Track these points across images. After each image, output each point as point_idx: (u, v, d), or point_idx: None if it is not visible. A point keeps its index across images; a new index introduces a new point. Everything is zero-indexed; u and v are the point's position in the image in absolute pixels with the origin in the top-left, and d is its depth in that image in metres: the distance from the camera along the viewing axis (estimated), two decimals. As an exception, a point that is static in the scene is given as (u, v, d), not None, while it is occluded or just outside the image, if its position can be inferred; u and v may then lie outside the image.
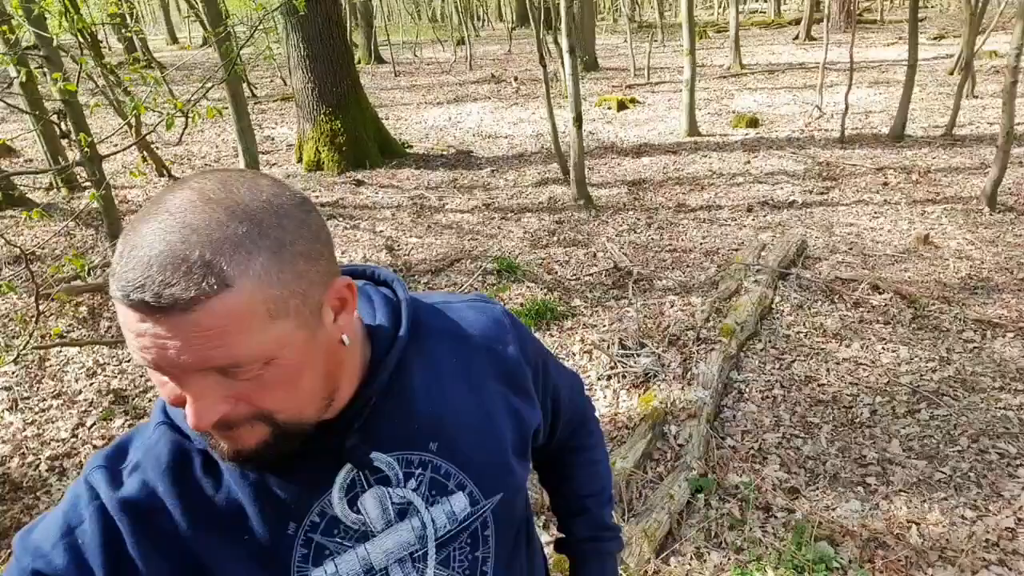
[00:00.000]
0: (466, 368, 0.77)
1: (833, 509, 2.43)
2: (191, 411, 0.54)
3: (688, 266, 4.50)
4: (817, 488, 2.53)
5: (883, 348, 3.38)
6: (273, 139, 8.72)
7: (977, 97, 8.35)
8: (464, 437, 0.74)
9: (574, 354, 3.54)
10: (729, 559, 2.24)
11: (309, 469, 0.67)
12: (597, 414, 1.16)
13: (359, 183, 6.60)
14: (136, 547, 0.62)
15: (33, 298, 3.08)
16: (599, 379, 3.31)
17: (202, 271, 0.50)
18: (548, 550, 1.06)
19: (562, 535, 1.03)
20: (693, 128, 7.76)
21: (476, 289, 4.28)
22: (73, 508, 0.63)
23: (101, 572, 0.62)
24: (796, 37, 15.99)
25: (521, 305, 4.00)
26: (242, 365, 0.53)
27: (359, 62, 14.19)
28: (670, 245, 4.86)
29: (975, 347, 3.33)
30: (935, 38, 14.14)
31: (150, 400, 3.35)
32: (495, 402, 0.77)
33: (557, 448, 0.98)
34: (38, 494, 2.80)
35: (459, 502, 0.73)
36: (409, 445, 0.71)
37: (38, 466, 2.96)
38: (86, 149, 2.18)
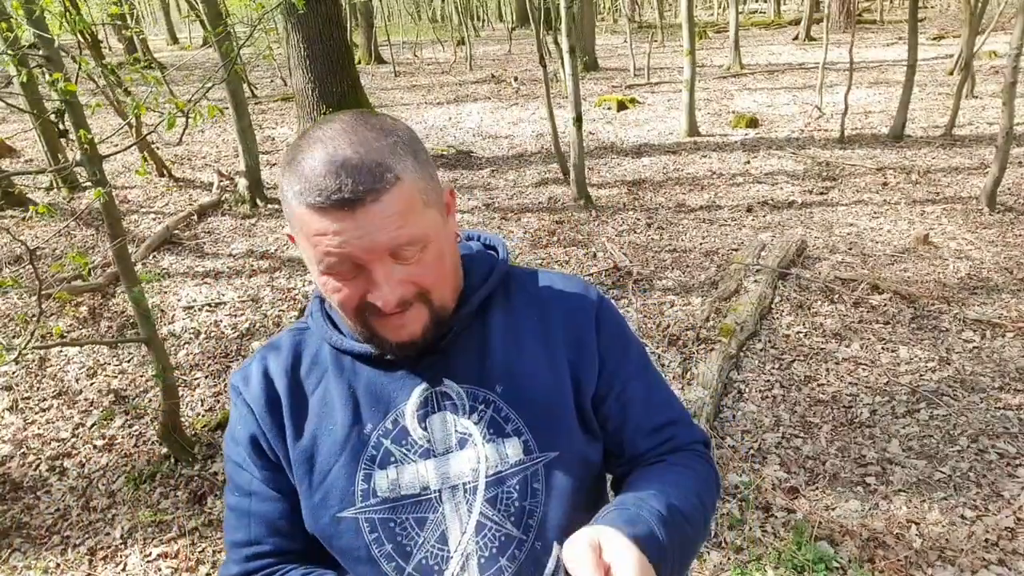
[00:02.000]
0: (543, 328, 0.82)
1: (833, 509, 2.43)
2: (381, 293, 0.68)
3: (688, 266, 4.50)
4: (817, 488, 2.54)
5: (883, 348, 3.38)
6: (273, 139, 8.72)
7: (977, 97, 8.35)
8: (528, 388, 0.79)
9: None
10: (729, 559, 2.24)
11: (394, 379, 0.78)
12: None
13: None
14: (266, 425, 0.80)
15: (34, 297, 3.08)
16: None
17: (380, 170, 0.65)
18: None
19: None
20: (693, 128, 7.77)
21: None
22: (233, 405, 0.83)
23: (265, 443, 0.80)
24: (796, 37, 15.99)
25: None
26: (414, 244, 0.67)
27: (359, 62, 14.19)
28: (670, 245, 4.86)
29: (975, 347, 3.34)
30: (935, 38, 14.15)
31: (150, 400, 3.36)
32: (563, 367, 0.81)
33: (639, 462, 0.86)
34: (38, 494, 2.81)
35: (513, 447, 0.77)
36: (478, 381, 0.78)
37: (38, 466, 2.97)
38: (87, 147, 2.18)
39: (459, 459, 0.77)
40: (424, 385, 0.78)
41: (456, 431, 0.77)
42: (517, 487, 0.77)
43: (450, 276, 0.75)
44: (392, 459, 0.76)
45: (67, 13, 2.43)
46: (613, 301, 4.06)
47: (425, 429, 0.77)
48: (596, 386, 0.83)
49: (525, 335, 0.81)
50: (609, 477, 0.93)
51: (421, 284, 0.71)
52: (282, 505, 0.81)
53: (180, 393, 3.21)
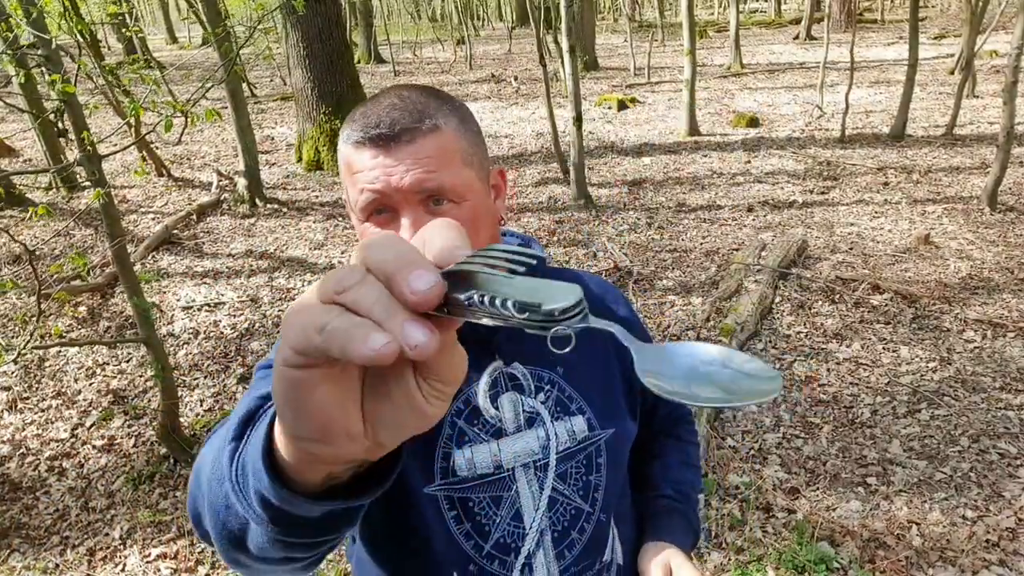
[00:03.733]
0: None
1: (833, 509, 2.42)
2: (407, 235, 0.67)
3: (688, 266, 4.49)
4: (817, 488, 2.53)
5: (883, 348, 3.38)
6: (273, 139, 8.71)
7: (978, 97, 8.34)
8: (585, 370, 0.84)
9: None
10: (730, 559, 2.24)
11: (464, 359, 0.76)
12: None
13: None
14: None
15: (33, 297, 3.08)
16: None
17: (421, 115, 0.70)
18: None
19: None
20: (693, 128, 7.76)
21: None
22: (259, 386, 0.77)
23: None
24: (796, 37, 15.98)
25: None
26: (445, 193, 0.70)
27: (359, 61, 14.18)
28: (670, 245, 4.85)
29: (976, 347, 3.33)
30: (935, 38, 14.13)
31: (150, 400, 3.35)
32: (608, 350, 0.87)
33: (656, 432, 1.03)
34: (38, 494, 2.80)
35: (579, 423, 0.81)
36: (542, 362, 0.81)
37: (38, 466, 2.96)
38: (88, 147, 2.17)
39: (529, 437, 0.79)
40: (494, 365, 0.79)
41: (524, 410, 0.79)
42: (584, 462, 0.81)
43: (487, 243, 0.75)
44: (466, 439, 0.77)
45: (66, 13, 2.42)
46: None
47: (497, 408, 0.79)
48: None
49: None
50: None
51: None
52: None
53: (179, 393, 3.21)
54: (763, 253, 4.39)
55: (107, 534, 2.59)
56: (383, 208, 0.70)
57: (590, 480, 0.81)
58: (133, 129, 4.96)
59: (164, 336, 3.87)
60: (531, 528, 0.78)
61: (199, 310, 4.21)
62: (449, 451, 0.76)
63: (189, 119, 2.23)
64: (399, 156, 0.68)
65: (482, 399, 0.78)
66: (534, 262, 0.33)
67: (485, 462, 0.77)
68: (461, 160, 0.71)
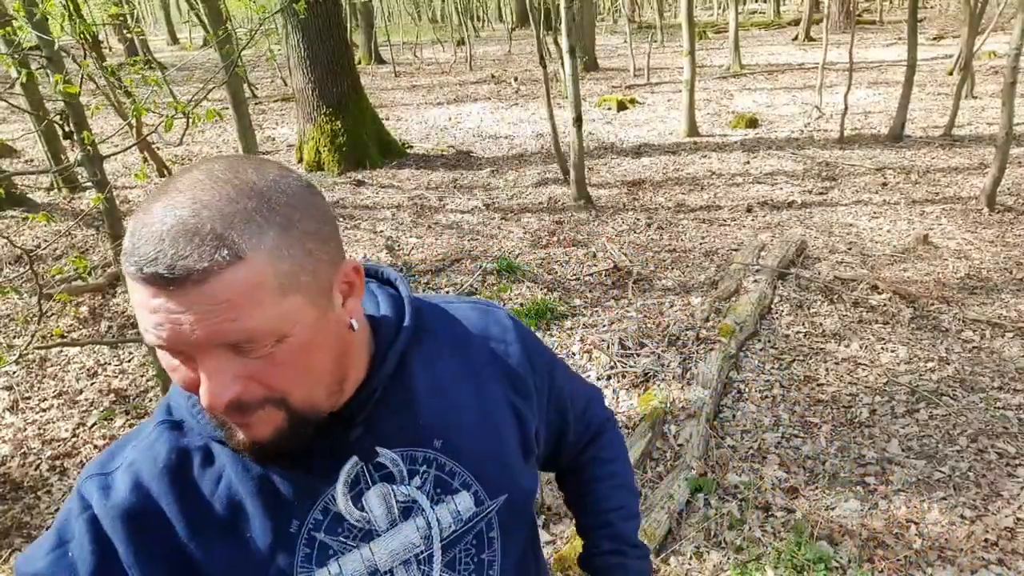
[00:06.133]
0: (468, 367, 0.76)
1: (832, 509, 2.43)
2: (205, 390, 0.54)
3: (688, 266, 4.50)
4: (816, 488, 2.54)
5: (882, 348, 3.39)
6: (274, 139, 8.72)
7: (976, 97, 8.36)
8: (468, 436, 0.73)
9: (574, 354, 3.54)
10: (729, 559, 2.24)
11: (314, 463, 0.66)
12: None
13: (359, 183, 6.61)
14: (130, 556, 0.61)
15: (35, 298, 3.08)
16: (599, 379, 3.31)
17: (214, 243, 0.50)
18: (548, 550, 1.05)
19: (585, 551, 0.99)
20: (693, 128, 7.77)
21: (476, 289, 4.29)
22: (65, 522, 0.63)
23: None
24: (795, 38, 15.99)
25: (521, 305, 4.01)
26: (255, 340, 0.54)
27: (359, 62, 14.20)
28: (670, 245, 4.86)
29: (974, 347, 3.34)
30: (934, 38, 14.15)
31: (150, 400, 3.36)
32: (497, 402, 0.76)
33: (573, 461, 0.96)
34: (39, 494, 2.81)
35: (464, 501, 0.72)
36: (414, 442, 0.70)
37: (39, 466, 2.97)
38: (89, 148, 2.18)
39: (407, 530, 0.70)
40: (353, 461, 0.67)
41: (397, 501, 0.69)
42: (474, 542, 0.73)
43: (326, 372, 0.61)
44: (330, 552, 0.66)
45: (70, 17, 2.44)
46: (612, 301, 4.06)
47: (362, 509, 0.68)
48: (538, 410, 0.81)
49: (449, 380, 0.74)
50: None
51: (270, 385, 0.57)
52: None
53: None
54: (762, 253, 4.40)
55: (109, 533, 2.59)
56: (176, 352, 0.55)
57: (483, 559, 0.74)
58: (134, 130, 4.98)
59: (165, 336, 3.87)
60: None
61: (200, 310, 4.22)
62: (309, 573, 0.65)
63: (191, 120, 2.24)
64: (185, 302, 0.51)
65: (342, 502, 0.67)
66: None
67: (357, 571, 0.67)
68: (279, 290, 0.53)
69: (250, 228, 0.52)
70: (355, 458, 0.67)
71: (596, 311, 3.96)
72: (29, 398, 3.44)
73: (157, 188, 0.55)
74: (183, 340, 0.52)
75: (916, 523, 2.34)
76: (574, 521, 1.01)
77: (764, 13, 23.41)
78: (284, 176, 0.57)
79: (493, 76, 13.29)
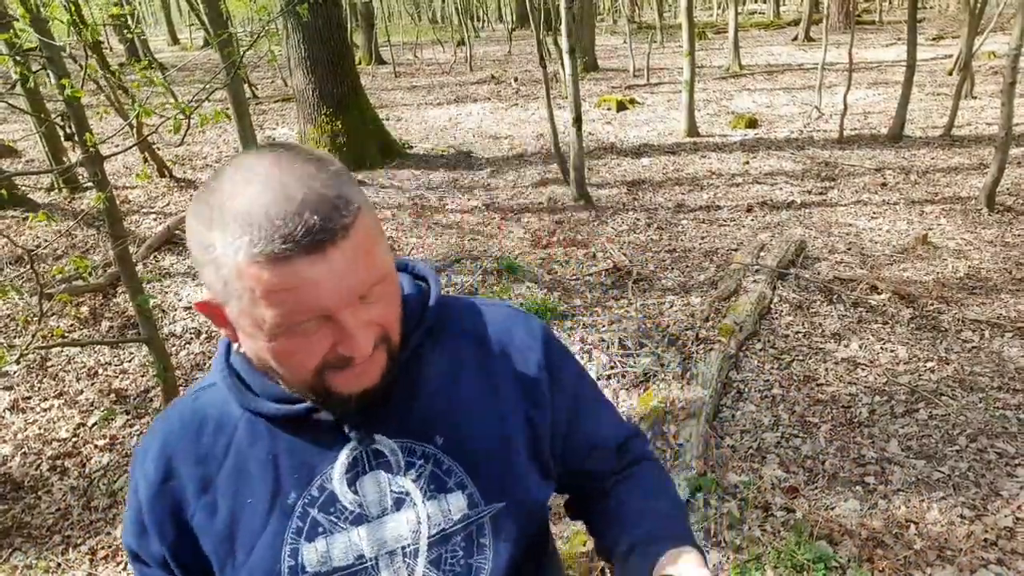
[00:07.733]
0: (485, 368, 0.76)
1: (832, 508, 2.44)
2: (356, 344, 0.59)
3: (688, 266, 4.51)
4: (816, 487, 2.54)
5: (882, 348, 3.39)
6: (274, 140, 8.73)
7: (976, 97, 8.36)
8: (472, 436, 0.73)
9: (574, 354, 3.55)
10: (728, 558, 2.25)
11: (318, 440, 0.70)
12: None
13: (360, 183, 6.59)
14: (159, 523, 0.70)
15: (35, 298, 3.09)
16: (599, 379, 3.32)
17: (342, 201, 0.57)
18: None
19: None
20: (692, 129, 7.78)
21: (476, 289, 4.30)
22: (132, 494, 0.73)
23: (158, 545, 0.71)
24: (795, 38, 16.00)
25: (521, 305, 4.02)
26: (383, 278, 0.61)
27: (360, 63, 14.20)
28: (669, 245, 4.87)
29: (973, 347, 3.34)
30: (934, 39, 14.15)
31: (151, 400, 3.36)
32: (510, 407, 0.75)
33: (605, 485, 0.87)
34: (39, 494, 2.82)
35: (457, 501, 0.71)
36: (414, 435, 0.71)
37: (39, 466, 2.97)
38: (91, 148, 2.19)
39: (396, 521, 0.70)
40: (352, 444, 0.69)
41: (392, 491, 0.70)
42: (462, 544, 0.72)
43: (400, 315, 0.67)
44: (320, 529, 0.69)
45: (75, 23, 2.45)
46: (612, 301, 4.06)
47: (356, 492, 0.70)
48: (553, 423, 0.78)
49: (465, 376, 0.75)
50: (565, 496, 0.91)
51: (385, 324, 0.64)
52: None
53: (181, 393, 3.22)
54: (762, 253, 4.41)
55: (109, 533, 2.60)
56: (312, 320, 0.59)
57: (470, 564, 0.72)
58: (135, 130, 4.98)
59: (166, 336, 3.88)
60: None
61: (200, 311, 4.22)
62: (298, 547, 0.68)
63: (198, 120, 2.24)
64: (338, 261, 0.56)
65: (338, 483, 0.69)
66: None
67: (343, 554, 0.68)
68: (380, 234, 0.62)
69: (348, 186, 0.59)
70: (354, 443, 0.70)
71: (596, 311, 3.97)
72: (30, 398, 3.44)
73: (221, 184, 0.57)
74: (340, 298, 0.57)
75: (915, 523, 2.34)
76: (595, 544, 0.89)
77: (764, 13, 23.41)
78: (325, 154, 0.64)
79: (493, 76, 13.29)
